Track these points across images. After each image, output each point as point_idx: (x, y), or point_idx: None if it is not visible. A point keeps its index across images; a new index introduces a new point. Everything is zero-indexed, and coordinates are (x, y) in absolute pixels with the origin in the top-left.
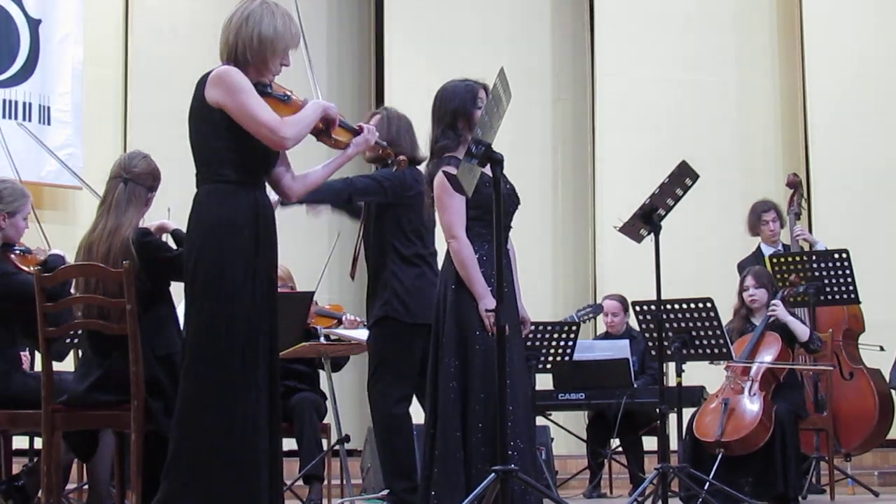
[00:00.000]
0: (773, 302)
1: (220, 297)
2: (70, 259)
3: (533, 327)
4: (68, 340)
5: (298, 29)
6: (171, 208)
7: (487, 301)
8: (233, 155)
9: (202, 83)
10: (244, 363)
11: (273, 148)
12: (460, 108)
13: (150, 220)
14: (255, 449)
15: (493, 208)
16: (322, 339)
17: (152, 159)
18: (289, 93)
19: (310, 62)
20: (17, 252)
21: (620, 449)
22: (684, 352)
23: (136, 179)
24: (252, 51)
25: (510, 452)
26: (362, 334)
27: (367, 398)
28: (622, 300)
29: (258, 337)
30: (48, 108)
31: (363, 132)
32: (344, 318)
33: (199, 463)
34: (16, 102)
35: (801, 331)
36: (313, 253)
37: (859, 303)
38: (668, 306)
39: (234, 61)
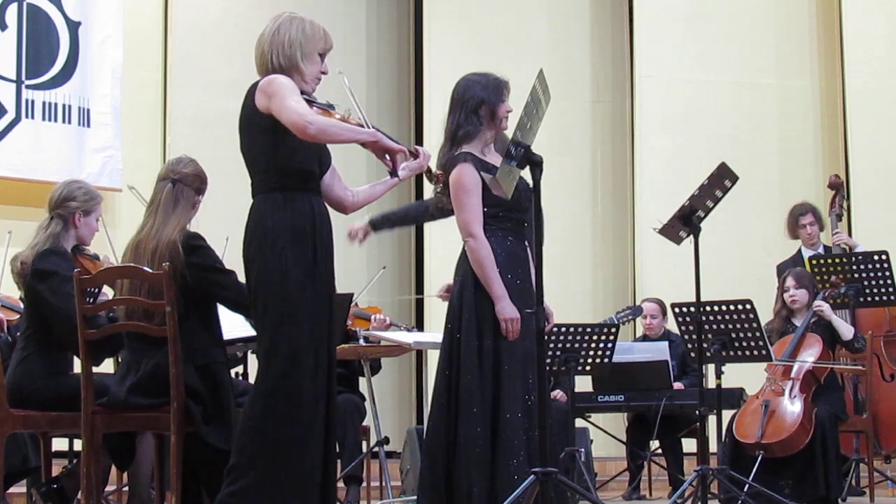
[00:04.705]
0: (817, 301)
1: (284, 305)
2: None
3: (572, 329)
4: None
5: (328, 34)
6: (212, 210)
7: (506, 304)
8: (285, 161)
9: (251, 92)
10: (308, 371)
11: (297, 134)
12: (485, 98)
13: (197, 227)
14: (313, 457)
15: (511, 203)
16: (361, 342)
17: (199, 164)
18: (333, 104)
19: (350, 91)
20: (87, 256)
21: (660, 451)
22: (724, 353)
23: (184, 181)
24: (284, 56)
25: (502, 468)
26: (399, 336)
27: (406, 400)
28: (660, 303)
29: (319, 345)
30: (88, 110)
31: (419, 156)
32: (373, 318)
33: (261, 468)
34: (55, 105)
35: (846, 330)
36: (351, 253)
37: None
38: (708, 308)
39: (270, 71)
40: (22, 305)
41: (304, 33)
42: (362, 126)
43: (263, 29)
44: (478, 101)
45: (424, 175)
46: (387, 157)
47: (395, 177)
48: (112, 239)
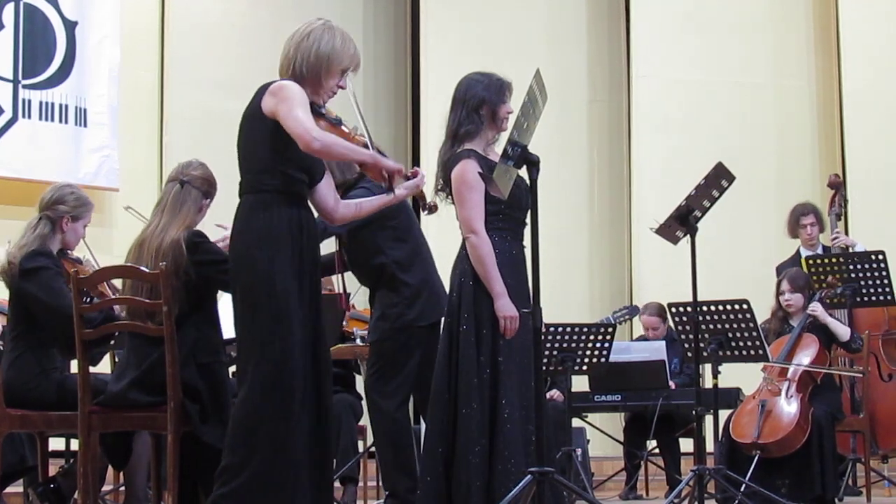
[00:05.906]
0: (811, 305)
1: (272, 305)
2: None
3: (569, 329)
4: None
5: (357, 52)
6: (210, 210)
7: (505, 302)
8: (277, 166)
9: (260, 92)
10: (298, 371)
11: (301, 147)
12: (487, 98)
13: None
14: (306, 457)
15: (512, 202)
16: (358, 341)
17: (209, 168)
18: (341, 118)
19: (356, 97)
20: (70, 259)
21: (657, 450)
22: (720, 353)
23: (192, 183)
24: (308, 65)
25: (499, 466)
26: None
27: None
28: (660, 312)
29: (306, 344)
30: (84, 110)
31: (416, 177)
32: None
33: (254, 468)
34: (52, 104)
35: (842, 331)
36: None
37: (895, 304)
38: (705, 308)
39: (292, 76)
40: (7, 308)
41: (333, 48)
42: (367, 146)
43: (295, 30)
44: (479, 100)
45: (418, 199)
46: (384, 174)
47: (390, 193)
48: (108, 239)
